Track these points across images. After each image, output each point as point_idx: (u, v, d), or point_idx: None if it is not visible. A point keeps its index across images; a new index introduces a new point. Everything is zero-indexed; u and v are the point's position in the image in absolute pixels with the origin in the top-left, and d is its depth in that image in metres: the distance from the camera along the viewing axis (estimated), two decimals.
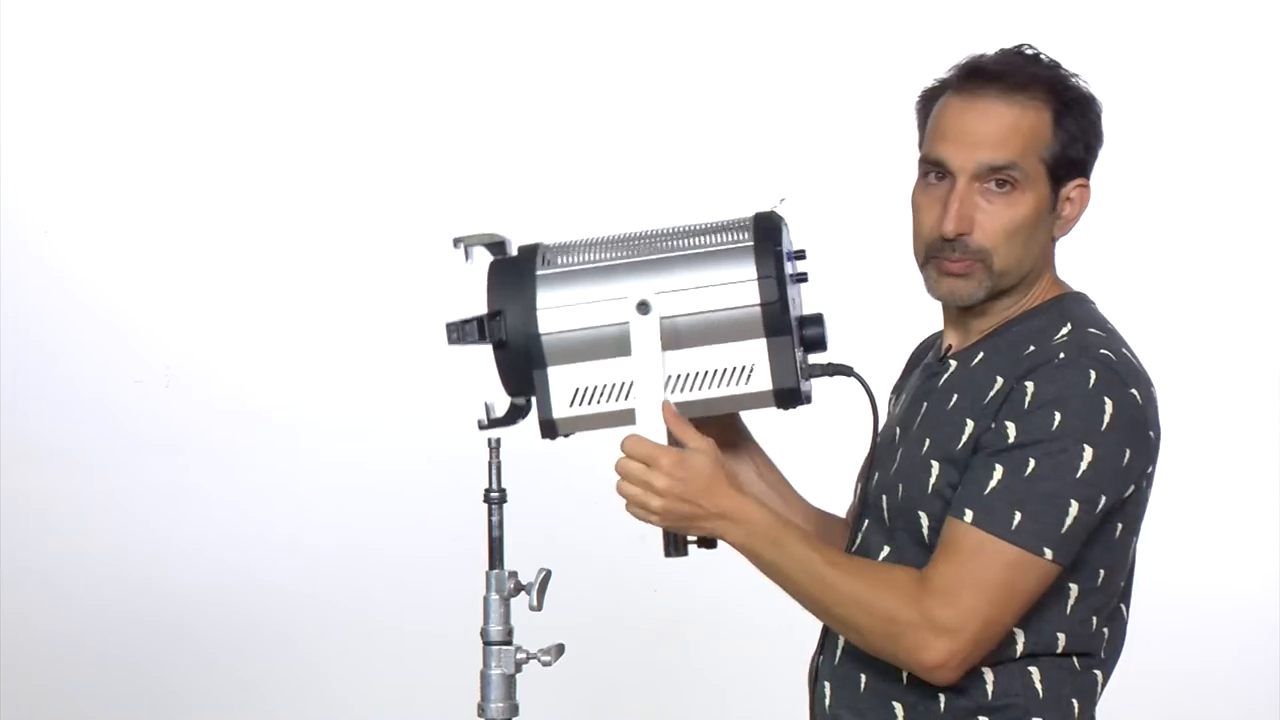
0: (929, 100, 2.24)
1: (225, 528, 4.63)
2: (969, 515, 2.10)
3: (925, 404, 2.26)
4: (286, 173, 4.60)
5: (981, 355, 2.22)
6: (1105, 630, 2.20)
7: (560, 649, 2.39)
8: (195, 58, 4.61)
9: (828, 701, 2.27)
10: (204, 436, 4.62)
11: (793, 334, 2.19)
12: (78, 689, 4.66)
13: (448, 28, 4.57)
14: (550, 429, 2.25)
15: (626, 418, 2.22)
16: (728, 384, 2.21)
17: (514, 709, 2.40)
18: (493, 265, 2.27)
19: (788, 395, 2.20)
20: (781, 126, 4.47)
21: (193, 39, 4.61)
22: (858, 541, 2.29)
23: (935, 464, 2.18)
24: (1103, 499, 2.09)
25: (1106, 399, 2.09)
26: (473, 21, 4.58)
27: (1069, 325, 2.18)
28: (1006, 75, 2.17)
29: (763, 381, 2.20)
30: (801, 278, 2.26)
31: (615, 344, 2.20)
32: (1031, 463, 2.08)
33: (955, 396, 2.20)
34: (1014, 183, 2.16)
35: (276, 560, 4.60)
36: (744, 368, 2.20)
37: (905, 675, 2.17)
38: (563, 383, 2.23)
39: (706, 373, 2.21)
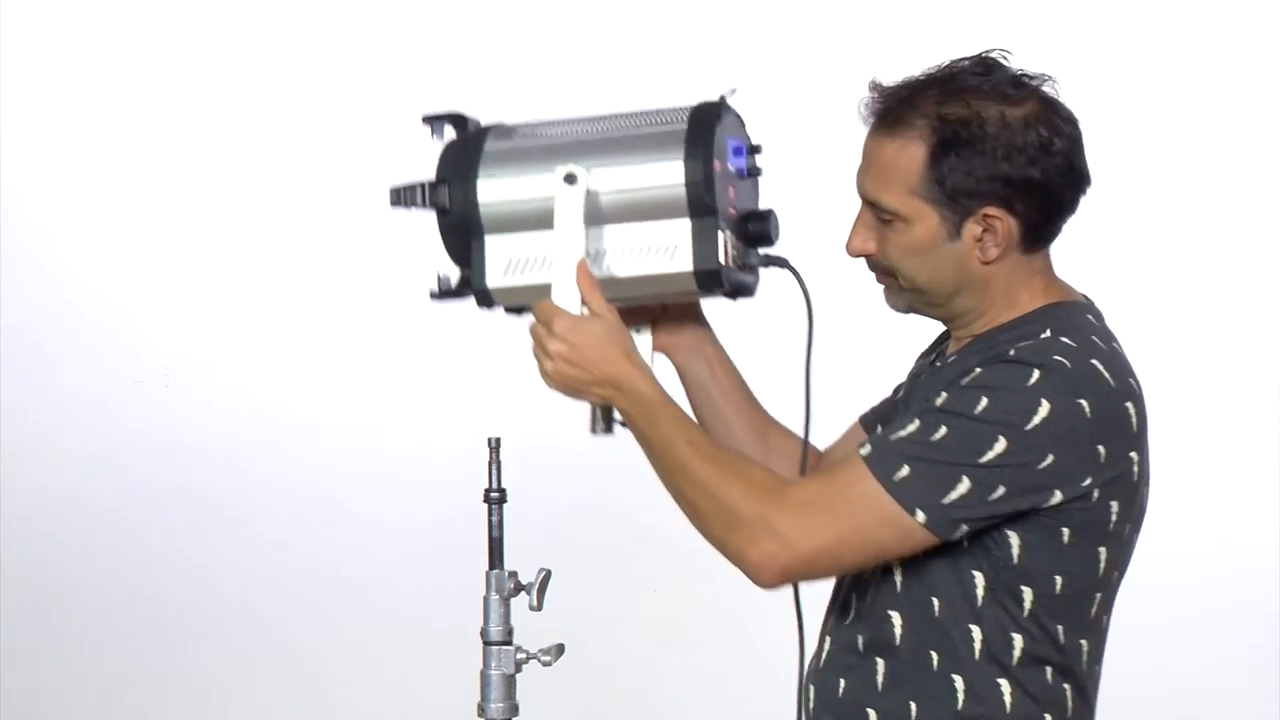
0: None
1: (225, 527, 4.63)
2: (866, 450, 2.11)
3: (911, 399, 2.30)
4: (287, 174, 4.60)
5: (959, 356, 2.24)
6: (1084, 643, 2.19)
7: (560, 649, 2.40)
8: (195, 59, 4.61)
9: (812, 705, 2.29)
10: (204, 436, 4.62)
11: (718, 216, 2.22)
12: (78, 689, 4.67)
13: (457, 34, 4.58)
14: (485, 298, 2.31)
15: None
16: (650, 261, 2.25)
17: (514, 709, 2.40)
18: (449, 142, 2.37)
19: (709, 277, 2.22)
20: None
21: (192, 40, 4.61)
22: None
23: None
24: (1001, 490, 2.06)
25: (1043, 400, 2.06)
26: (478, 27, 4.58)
27: (1049, 331, 2.16)
28: (889, 112, 2.17)
29: (684, 262, 2.23)
30: (755, 172, 2.30)
31: (547, 217, 2.25)
32: (943, 430, 2.08)
33: (930, 389, 2.21)
34: (893, 215, 2.17)
35: (276, 560, 4.60)
36: (667, 247, 2.24)
37: (880, 682, 2.19)
38: (498, 252, 2.30)
39: (630, 249, 2.26)
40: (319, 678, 4.61)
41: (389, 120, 4.56)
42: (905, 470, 2.07)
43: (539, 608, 2.38)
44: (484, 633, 2.40)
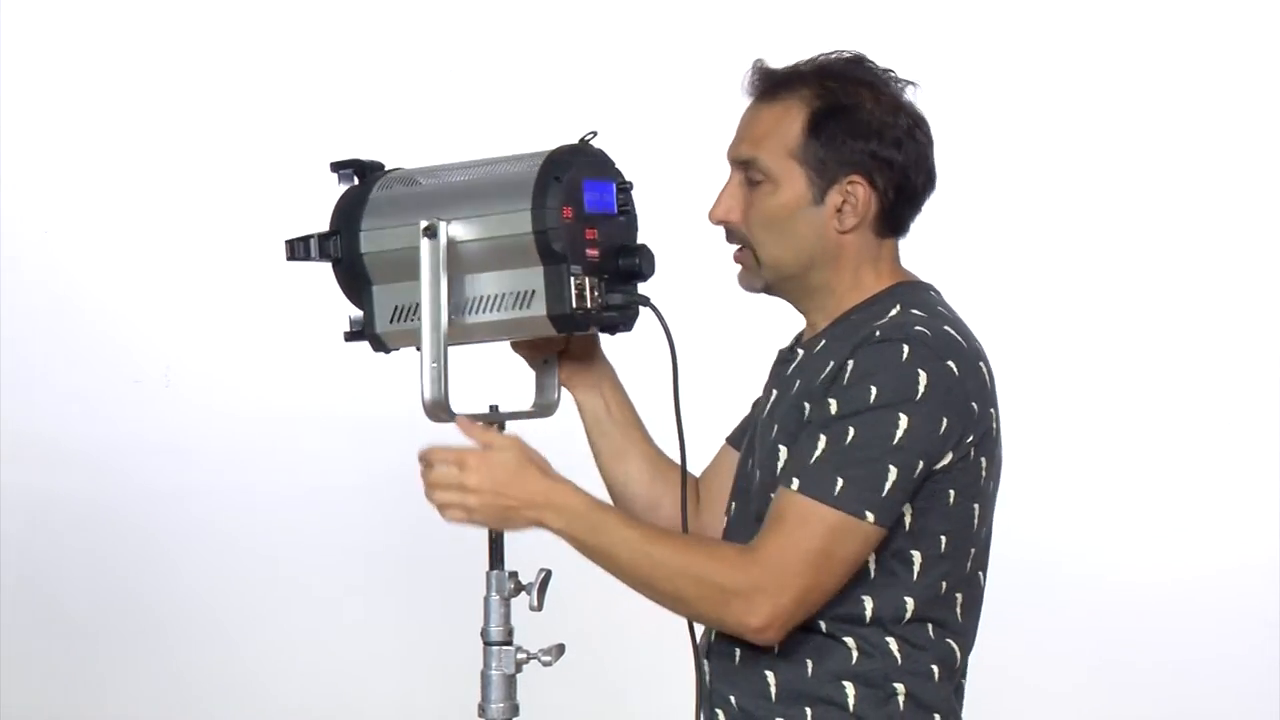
0: None
1: (225, 527, 4.63)
2: (795, 484, 2.20)
3: (776, 391, 2.38)
4: (288, 173, 4.60)
5: (823, 343, 2.33)
6: (959, 596, 2.29)
7: (560, 649, 2.40)
8: (196, 58, 4.61)
9: (709, 678, 2.37)
10: (204, 436, 4.62)
11: (567, 263, 2.30)
12: (77, 689, 4.67)
13: (464, 40, 4.58)
14: (377, 343, 2.45)
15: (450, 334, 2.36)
16: (510, 309, 2.35)
17: (514, 709, 2.40)
18: (346, 190, 2.47)
19: (564, 321, 2.32)
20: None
21: (191, 40, 4.61)
22: (727, 521, 2.40)
23: (783, 448, 2.29)
24: (920, 464, 2.19)
25: (920, 371, 2.19)
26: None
27: (898, 308, 2.29)
28: (773, 79, 2.32)
29: (540, 307, 2.33)
30: (625, 210, 2.39)
31: (418, 266, 2.34)
32: (851, 431, 2.18)
33: (798, 382, 2.32)
34: (765, 177, 2.29)
35: (276, 560, 4.60)
36: (524, 293, 2.34)
37: (776, 646, 2.27)
38: (385, 300, 2.41)
39: (491, 297, 2.36)
40: (319, 678, 4.61)
41: (390, 120, 4.57)
42: (840, 482, 2.18)
43: (539, 608, 2.39)
44: (484, 633, 2.40)
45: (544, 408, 2.50)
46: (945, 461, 2.21)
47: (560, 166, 2.32)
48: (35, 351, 4.66)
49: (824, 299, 2.34)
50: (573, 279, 2.31)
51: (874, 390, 2.18)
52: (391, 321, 2.40)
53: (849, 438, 2.18)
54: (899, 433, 2.17)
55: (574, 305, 2.31)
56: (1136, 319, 4.39)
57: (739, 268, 2.36)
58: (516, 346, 2.51)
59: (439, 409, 2.42)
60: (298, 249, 2.45)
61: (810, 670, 2.26)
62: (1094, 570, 4.34)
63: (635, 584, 2.25)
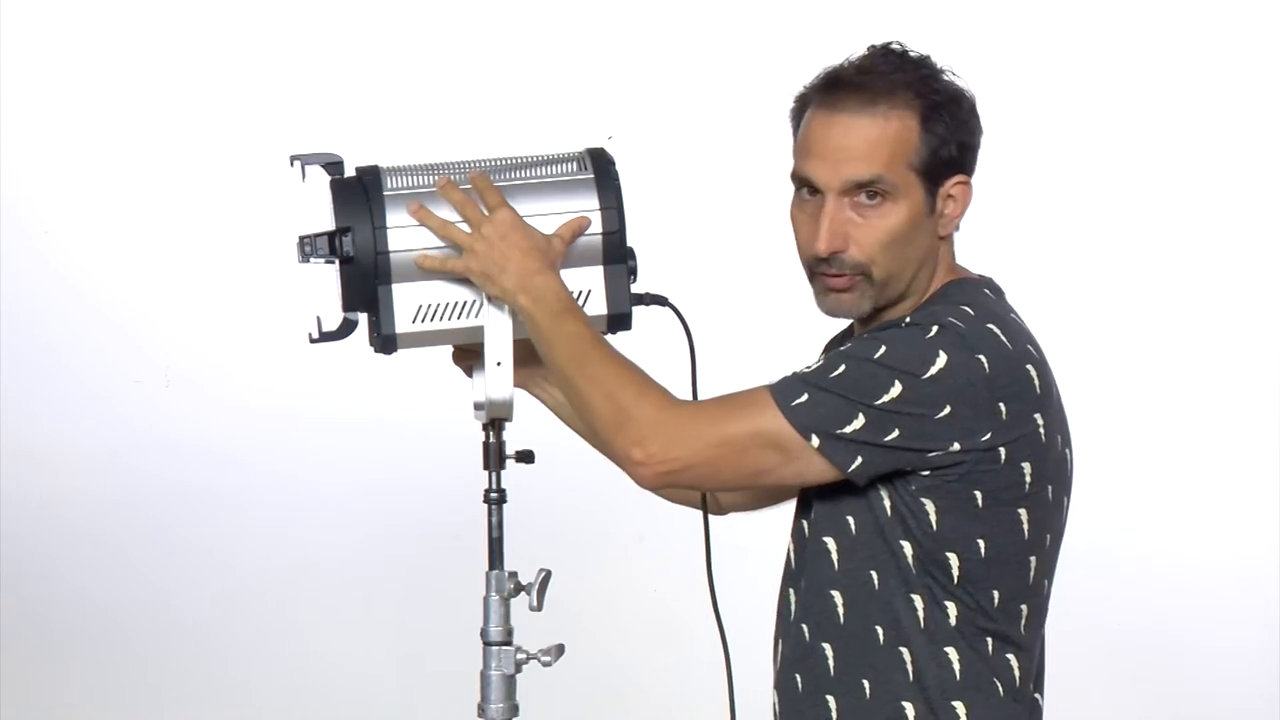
0: (800, 109, 2.25)
1: (224, 528, 4.63)
2: (774, 380, 2.16)
3: None
4: (288, 174, 4.59)
5: None
6: (1024, 608, 2.21)
7: (560, 649, 2.40)
8: (196, 58, 4.61)
9: (778, 711, 2.33)
10: (204, 436, 4.62)
11: (626, 262, 2.31)
12: (78, 689, 4.67)
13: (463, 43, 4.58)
14: (390, 344, 2.35)
15: (462, 335, 2.34)
16: None
17: (514, 709, 2.41)
18: (335, 184, 2.43)
19: (619, 320, 2.33)
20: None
21: (192, 39, 4.61)
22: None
23: None
24: (895, 432, 2.10)
25: (941, 353, 2.11)
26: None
27: (942, 306, 2.20)
28: (867, 85, 2.18)
29: (598, 306, 2.32)
30: None
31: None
32: (842, 369, 2.12)
33: None
34: (884, 194, 2.17)
35: (276, 560, 4.60)
36: (581, 292, 2.31)
37: (831, 667, 2.22)
38: (406, 300, 2.33)
39: None
40: (319, 678, 4.61)
41: (391, 118, 4.57)
42: (804, 397, 2.13)
43: (539, 608, 2.39)
44: (484, 633, 2.40)
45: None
46: (953, 449, 2.11)
47: (613, 168, 2.31)
48: (35, 352, 4.66)
49: (896, 302, 2.24)
50: (629, 279, 2.32)
51: (883, 349, 2.11)
52: (415, 321, 2.33)
53: (837, 371, 2.12)
54: (886, 396, 2.10)
55: (630, 305, 2.32)
56: (1136, 323, 4.39)
57: (830, 295, 2.21)
58: (459, 358, 2.45)
59: (508, 408, 2.38)
60: (315, 247, 2.39)
61: (869, 690, 2.20)
62: (1095, 567, 4.34)
63: (562, 380, 2.25)
